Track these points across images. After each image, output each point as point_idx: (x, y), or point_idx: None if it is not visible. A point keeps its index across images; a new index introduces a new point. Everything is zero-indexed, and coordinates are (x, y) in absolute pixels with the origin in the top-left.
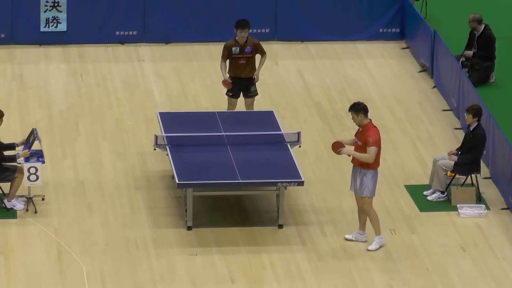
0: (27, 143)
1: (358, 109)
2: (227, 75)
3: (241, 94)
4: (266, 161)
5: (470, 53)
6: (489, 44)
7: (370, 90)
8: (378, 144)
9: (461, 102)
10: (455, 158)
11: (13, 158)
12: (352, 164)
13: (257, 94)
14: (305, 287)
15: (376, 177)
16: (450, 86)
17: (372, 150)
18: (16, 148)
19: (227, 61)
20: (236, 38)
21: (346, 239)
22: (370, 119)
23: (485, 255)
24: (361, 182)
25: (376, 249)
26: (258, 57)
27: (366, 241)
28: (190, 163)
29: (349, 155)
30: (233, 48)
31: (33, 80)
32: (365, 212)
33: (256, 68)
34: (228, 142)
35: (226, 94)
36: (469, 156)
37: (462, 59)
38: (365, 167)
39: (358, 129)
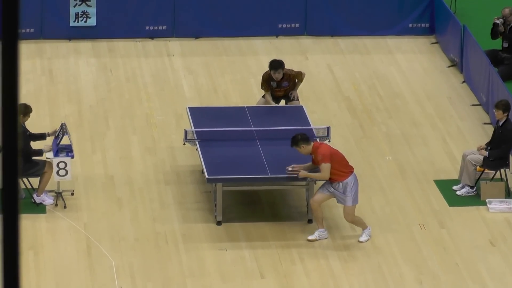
0: (56, 137)
1: (296, 142)
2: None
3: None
4: (296, 156)
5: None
6: None
7: (399, 85)
8: (328, 158)
9: (490, 97)
10: (485, 152)
11: (39, 152)
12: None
13: (297, 98)
14: (335, 282)
15: (357, 183)
16: (480, 81)
17: (324, 167)
18: (47, 138)
19: None
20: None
21: (310, 240)
22: (313, 141)
23: None
24: (344, 192)
25: (367, 240)
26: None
27: (327, 238)
28: (220, 157)
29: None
30: (271, 83)
31: (62, 75)
32: (350, 222)
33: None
34: (257, 137)
35: (263, 96)
36: (499, 151)
37: (500, 20)
38: (342, 179)
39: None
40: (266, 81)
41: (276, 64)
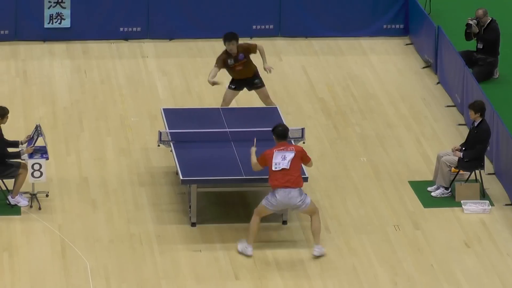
0: (31, 140)
1: (277, 133)
2: (215, 80)
3: (245, 90)
4: None
5: (475, 25)
6: (493, 36)
7: (374, 86)
8: (260, 158)
9: (465, 98)
10: (460, 154)
11: (17, 155)
12: None
13: (263, 85)
14: (309, 284)
15: (271, 199)
16: (454, 82)
17: (258, 158)
18: (20, 145)
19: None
20: (227, 50)
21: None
22: (277, 144)
23: (489, 251)
24: (269, 195)
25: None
26: (253, 56)
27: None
28: (194, 159)
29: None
30: (228, 60)
31: (37, 76)
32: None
33: (256, 66)
34: (232, 138)
35: (229, 87)
36: (473, 152)
37: (474, 21)
38: (272, 185)
39: None
40: (223, 61)
41: (230, 36)
